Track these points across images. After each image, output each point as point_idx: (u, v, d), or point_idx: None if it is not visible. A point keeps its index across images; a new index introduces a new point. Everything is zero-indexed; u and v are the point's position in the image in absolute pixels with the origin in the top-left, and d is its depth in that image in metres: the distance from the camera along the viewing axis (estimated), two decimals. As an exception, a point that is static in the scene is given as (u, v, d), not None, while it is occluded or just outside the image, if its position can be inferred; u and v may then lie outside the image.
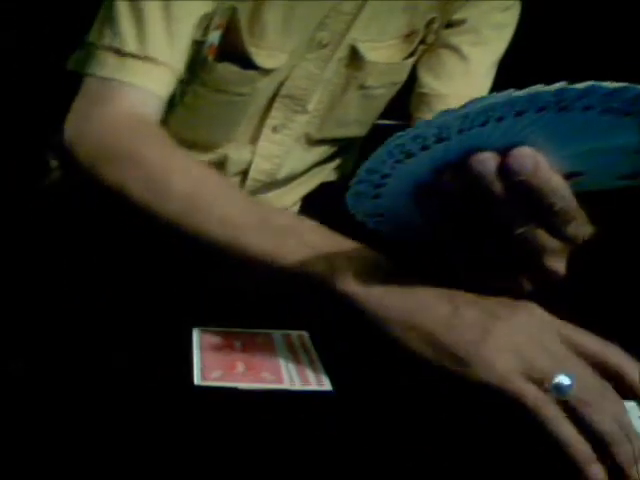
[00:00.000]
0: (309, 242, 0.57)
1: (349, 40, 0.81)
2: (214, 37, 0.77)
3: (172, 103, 0.83)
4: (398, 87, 0.90)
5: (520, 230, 0.49)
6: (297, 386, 0.53)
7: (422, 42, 0.86)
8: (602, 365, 0.50)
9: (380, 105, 0.92)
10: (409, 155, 0.47)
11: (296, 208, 1.01)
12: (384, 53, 0.84)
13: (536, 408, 0.48)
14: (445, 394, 0.53)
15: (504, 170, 0.47)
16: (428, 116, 0.88)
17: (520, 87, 0.44)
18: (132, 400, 0.49)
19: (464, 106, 0.44)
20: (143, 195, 0.64)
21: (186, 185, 0.64)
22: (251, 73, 0.79)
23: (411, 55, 0.86)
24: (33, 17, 0.96)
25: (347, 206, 0.51)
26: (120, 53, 0.72)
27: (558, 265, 0.51)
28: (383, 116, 0.96)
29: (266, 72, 0.80)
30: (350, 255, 0.56)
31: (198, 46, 0.77)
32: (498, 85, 0.89)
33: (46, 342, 0.54)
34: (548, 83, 0.44)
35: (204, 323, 0.58)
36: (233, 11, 0.75)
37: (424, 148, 0.47)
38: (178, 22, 0.73)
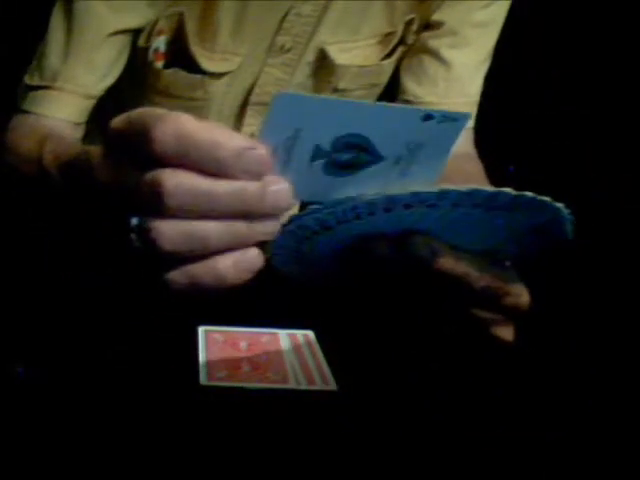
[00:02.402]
0: None
1: (316, 43, 0.80)
2: (159, 43, 0.76)
3: None
4: (381, 88, 0.87)
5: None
6: (303, 386, 0.53)
7: (402, 43, 0.83)
8: None
9: None
10: (327, 228, 0.47)
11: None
12: (358, 54, 0.82)
13: None
14: (449, 394, 0.53)
15: (402, 258, 0.47)
16: None
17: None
18: (137, 400, 0.49)
19: (352, 198, 0.44)
20: None
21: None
22: (198, 77, 0.78)
23: (389, 56, 0.84)
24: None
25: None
26: (28, 87, 0.76)
27: (504, 334, 0.52)
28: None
29: (216, 76, 0.79)
30: None
31: (143, 52, 0.77)
32: (495, 81, 0.88)
33: (48, 342, 0.54)
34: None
35: (209, 323, 0.58)
36: (180, 16, 0.74)
37: (327, 228, 0.47)
38: (78, 43, 0.73)
